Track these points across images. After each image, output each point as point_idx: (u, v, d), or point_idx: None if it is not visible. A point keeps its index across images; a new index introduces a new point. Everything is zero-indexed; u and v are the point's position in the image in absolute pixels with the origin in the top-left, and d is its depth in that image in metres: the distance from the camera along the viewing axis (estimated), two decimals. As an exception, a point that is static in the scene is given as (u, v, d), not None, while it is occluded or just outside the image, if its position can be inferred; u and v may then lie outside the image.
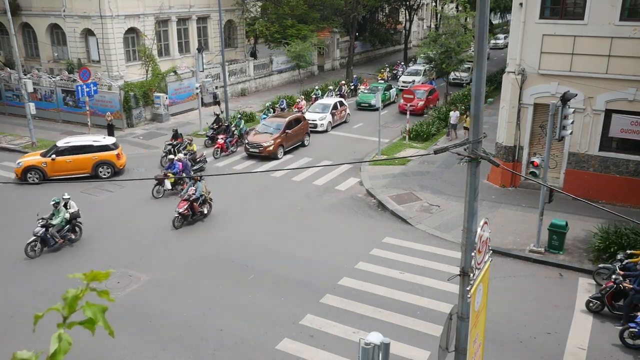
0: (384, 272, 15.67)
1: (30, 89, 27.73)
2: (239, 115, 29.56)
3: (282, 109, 33.13)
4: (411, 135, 28.33)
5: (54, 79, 32.24)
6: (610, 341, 12.76)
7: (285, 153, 26.42)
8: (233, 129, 27.46)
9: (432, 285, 14.97)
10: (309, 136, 28.11)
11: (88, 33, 33.76)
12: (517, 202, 20.39)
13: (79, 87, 26.45)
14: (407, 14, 57.58)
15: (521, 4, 19.77)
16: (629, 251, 14.67)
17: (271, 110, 32.04)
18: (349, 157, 26.12)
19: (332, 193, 21.82)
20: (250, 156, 25.91)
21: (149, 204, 20.77)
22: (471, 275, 7.44)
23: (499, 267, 15.91)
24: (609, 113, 19.43)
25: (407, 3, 55.75)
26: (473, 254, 7.40)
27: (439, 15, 49.66)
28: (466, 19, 46.30)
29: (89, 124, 27.48)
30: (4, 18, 30.42)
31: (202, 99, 31.14)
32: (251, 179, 23.16)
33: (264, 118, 29.69)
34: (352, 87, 40.17)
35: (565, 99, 15.55)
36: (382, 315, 13.62)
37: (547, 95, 19.93)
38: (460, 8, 44.59)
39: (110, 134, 28.49)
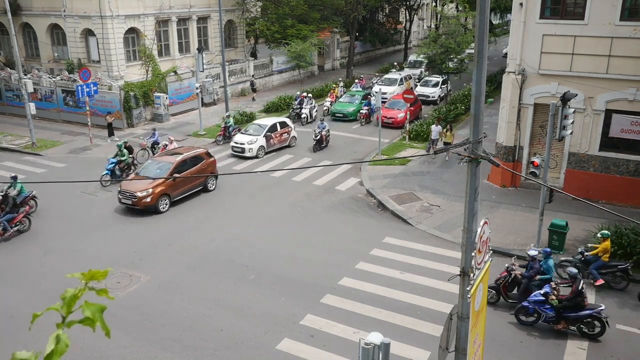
0: (384, 272, 15.67)
1: (31, 89, 27.73)
2: (227, 114, 29.31)
3: (299, 106, 32.39)
4: (411, 135, 28.31)
5: (54, 79, 32.25)
6: (610, 341, 12.76)
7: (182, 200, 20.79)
8: (223, 126, 27.73)
9: (432, 285, 14.96)
10: (216, 178, 22.41)
11: (88, 33, 33.76)
12: (517, 202, 20.39)
13: (79, 87, 26.44)
14: (407, 14, 57.59)
15: (521, 4, 19.77)
16: (589, 245, 15.38)
17: (231, 120, 28.69)
18: (349, 157, 26.11)
19: (332, 193, 21.82)
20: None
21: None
22: (471, 275, 7.44)
23: (499, 267, 15.91)
24: (609, 113, 19.43)
25: (407, 3, 55.75)
26: (473, 254, 7.40)
27: (438, 15, 49.66)
28: (466, 19, 46.30)
29: (89, 124, 27.46)
30: (4, 18, 30.43)
31: (202, 99, 31.12)
32: (251, 179, 23.16)
33: (231, 127, 28.01)
34: (297, 105, 32.89)
35: (565, 99, 15.54)
36: (382, 315, 13.61)
37: (547, 95, 19.93)
38: (460, 8, 44.60)
39: (111, 133, 28.56)
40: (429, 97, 35.63)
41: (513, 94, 20.72)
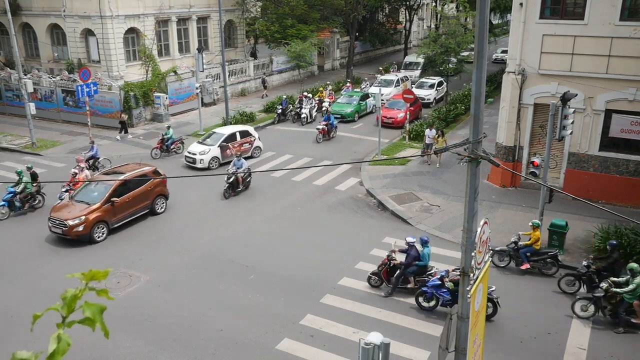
0: (384, 272, 15.66)
1: (31, 89, 27.73)
2: (167, 125, 27.33)
3: (284, 111, 32.14)
4: (411, 135, 28.30)
5: (54, 79, 32.25)
6: (610, 341, 12.76)
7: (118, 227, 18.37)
8: (160, 138, 25.98)
9: (432, 285, 14.96)
10: (167, 198, 20.01)
11: (88, 33, 33.76)
12: (517, 202, 20.39)
13: (79, 87, 26.43)
14: (407, 14, 57.57)
15: (521, 4, 19.77)
16: (520, 233, 16.19)
17: (170, 131, 26.22)
18: (349, 157, 26.10)
19: (332, 193, 21.82)
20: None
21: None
22: (471, 275, 7.44)
23: (499, 267, 15.93)
24: (609, 113, 19.42)
25: (407, 3, 55.74)
26: (473, 254, 7.40)
27: (439, 15, 49.63)
28: (466, 19, 46.26)
29: (89, 124, 27.47)
30: (4, 18, 30.43)
31: (202, 99, 31.12)
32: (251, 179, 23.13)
33: (170, 140, 25.74)
34: (280, 110, 32.43)
35: (565, 99, 15.56)
36: (382, 315, 13.62)
37: (547, 95, 19.92)
38: (460, 8, 44.56)
39: (124, 131, 29.17)
40: (424, 99, 34.81)
41: (513, 94, 20.72)
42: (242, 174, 20.92)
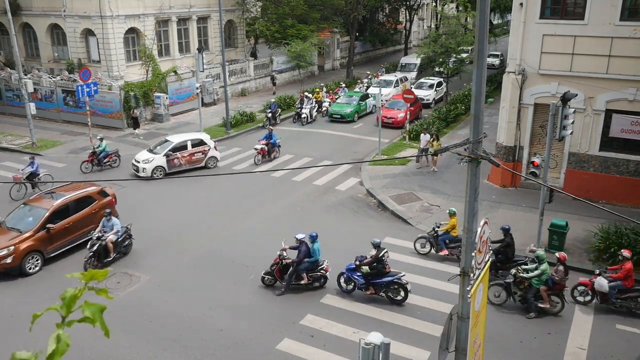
0: (384, 272, 15.66)
1: (31, 89, 27.74)
2: (100, 136, 24.91)
3: (274, 114, 31.44)
4: (411, 135, 28.29)
5: (54, 79, 32.25)
6: (610, 341, 12.76)
7: None
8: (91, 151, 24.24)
9: (432, 285, 14.97)
10: (118, 217, 17.39)
11: (88, 33, 33.77)
12: (517, 202, 20.38)
13: (79, 87, 26.44)
14: (407, 14, 57.58)
15: (521, 4, 19.76)
16: (441, 222, 16.94)
17: (103, 143, 24.19)
18: (349, 157, 26.10)
19: (332, 193, 21.81)
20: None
21: (149, 204, 20.76)
22: (471, 275, 7.44)
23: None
24: (609, 113, 19.42)
25: (407, 3, 55.75)
26: (473, 254, 7.40)
27: (439, 15, 49.63)
28: (466, 19, 46.24)
29: (89, 124, 27.47)
30: (4, 18, 30.43)
31: (202, 99, 31.11)
32: (251, 179, 23.14)
33: (102, 153, 23.84)
34: (269, 113, 31.23)
35: (565, 99, 15.55)
36: (382, 315, 13.62)
37: (547, 95, 19.92)
38: (460, 8, 44.54)
39: (136, 126, 29.69)
40: (423, 99, 34.63)
41: (513, 94, 20.72)
42: (116, 238, 16.14)
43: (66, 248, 16.68)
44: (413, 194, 21.37)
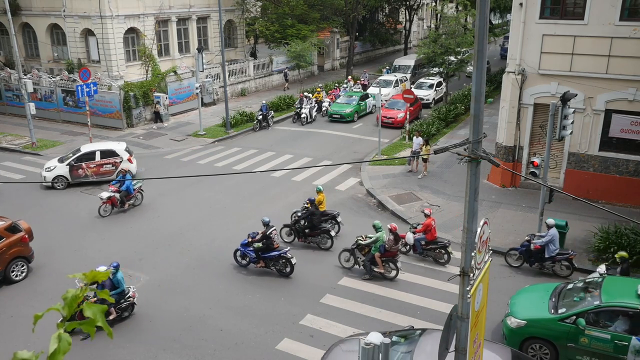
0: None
1: (30, 89, 27.73)
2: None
3: (265, 117, 31.01)
4: (411, 135, 28.26)
5: (54, 79, 32.24)
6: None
7: None
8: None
9: (432, 285, 14.97)
10: (30, 260, 15.77)
11: (88, 33, 33.76)
12: (517, 202, 20.39)
13: (79, 87, 26.43)
14: (407, 14, 57.58)
15: (521, 4, 19.77)
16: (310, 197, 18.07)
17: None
18: (349, 157, 26.10)
19: (332, 193, 21.81)
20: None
21: (148, 204, 20.75)
22: (471, 275, 7.43)
23: (499, 267, 15.92)
24: (609, 113, 19.43)
25: (407, 3, 55.76)
26: (473, 254, 7.40)
27: (438, 15, 49.64)
28: (466, 19, 46.22)
29: (89, 123, 27.46)
30: (4, 18, 30.43)
31: (202, 99, 31.11)
32: (251, 179, 23.14)
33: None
34: (260, 116, 31.01)
35: (565, 99, 15.55)
36: (382, 315, 13.62)
37: (547, 95, 19.93)
38: (460, 8, 44.55)
39: (158, 120, 31.12)
40: (422, 100, 34.54)
41: (513, 94, 20.72)
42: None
43: None
44: (413, 194, 21.38)
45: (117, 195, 19.66)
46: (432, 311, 13.76)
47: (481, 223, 7.60)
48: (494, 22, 66.24)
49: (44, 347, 1.73)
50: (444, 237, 17.91)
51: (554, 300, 12.36)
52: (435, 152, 7.96)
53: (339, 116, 32.27)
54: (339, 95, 35.61)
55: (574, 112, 16.44)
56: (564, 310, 11.88)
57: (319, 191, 18.38)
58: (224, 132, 30.05)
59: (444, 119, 30.61)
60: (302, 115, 31.90)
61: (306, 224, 17.22)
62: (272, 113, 32.24)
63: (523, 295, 13.17)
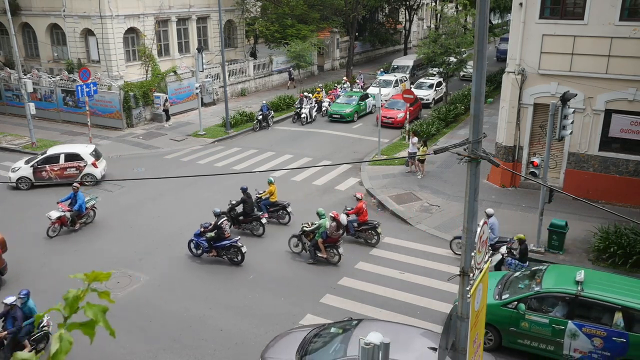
0: (383, 272, 15.68)
1: (30, 89, 27.72)
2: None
3: (265, 117, 30.99)
4: (410, 135, 28.25)
5: (53, 79, 32.24)
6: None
7: None
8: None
9: (432, 285, 14.98)
10: (2, 273, 15.22)
11: (88, 33, 33.76)
12: (517, 202, 20.40)
13: (79, 87, 26.43)
14: (407, 14, 57.58)
15: (521, 4, 19.77)
16: (261, 191, 19.00)
17: None
18: (349, 157, 26.11)
19: (332, 193, 21.82)
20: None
21: (148, 205, 20.76)
22: (471, 275, 7.44)
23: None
24: (609, 113, 19.43)
25: (407, 3, 55.75)
26: (473, 254, 7.41)
27: (438, 15, 49.64)
28: (466, 19, 46.21)
29: (89, 123, 27.47)
30: (4, 18, 30.42)
31: (201, 99, 31.12)
32: (251, 179, 23.12)
33: None
34: (260, 116, 31.08)
35: (565, 99, 15.56)
36: (382, 315, 13.62)
37: (547, 95, 19.93)
38: (460, 8, 44.54)
39: (167, 118, 31.59)
40: (422, 99, 34.48)
41: (513, 94, 20.73)
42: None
43: None
44: (413, 194, 21.38)
45: (68, 214, 18.15)
46: (432, 311, 13.77)
47: (481, 223, 7.62)
48: (493, 22, 66.27)
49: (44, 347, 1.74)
50: (444, 237, 17.98)
51: (499, 287, 12.80)
52: (435, 152, 7.97)
53: (338, 116, 32.31)
54: (339, 95, 35.63)
55: (573, 112, 16.45)
56: (507, 296, 12.35)
57: (270, 182, 19.06)
58: (223, 132, 30.05)
59: (443, 119, 30.61)
60: (302, 115, 31.91)
61: (239, 211, 18.09)
62: (273, 113, 32.27)
63: None
